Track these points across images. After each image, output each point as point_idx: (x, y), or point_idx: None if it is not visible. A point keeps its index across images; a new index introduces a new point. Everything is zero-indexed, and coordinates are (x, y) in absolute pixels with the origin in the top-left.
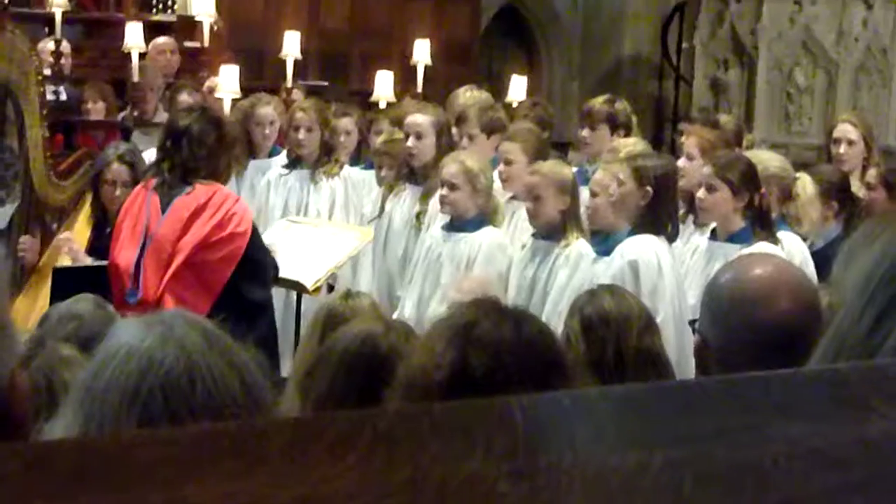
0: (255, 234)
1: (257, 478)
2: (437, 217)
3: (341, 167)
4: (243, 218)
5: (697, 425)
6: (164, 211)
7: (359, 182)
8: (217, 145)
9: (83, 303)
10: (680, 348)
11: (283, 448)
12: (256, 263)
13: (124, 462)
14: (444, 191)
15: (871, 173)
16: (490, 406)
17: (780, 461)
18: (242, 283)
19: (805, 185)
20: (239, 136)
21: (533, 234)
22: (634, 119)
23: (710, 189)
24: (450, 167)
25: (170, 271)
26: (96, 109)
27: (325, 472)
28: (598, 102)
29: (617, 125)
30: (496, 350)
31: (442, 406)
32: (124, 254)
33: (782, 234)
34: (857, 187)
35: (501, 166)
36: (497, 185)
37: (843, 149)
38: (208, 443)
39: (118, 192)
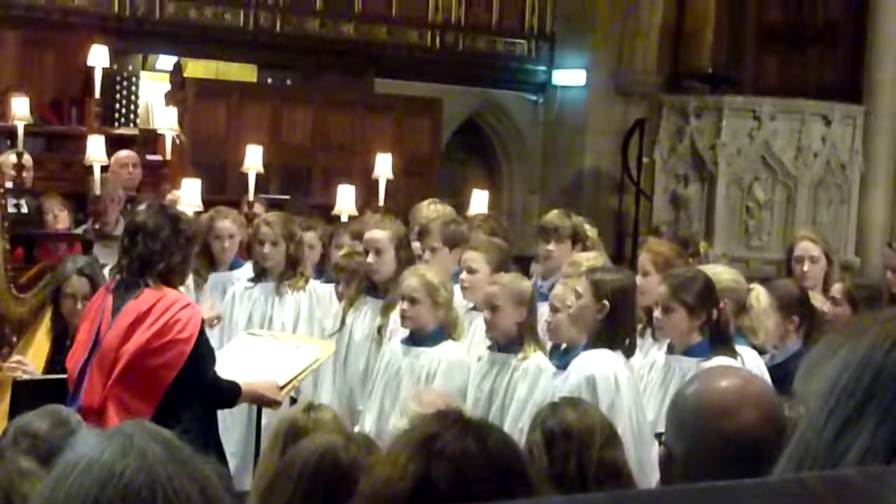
0: (200, 347)
1: None
2: (398, 331)
3: (307, 281)
4: (188, 324)
5: None
6: (114, 315)
7: (323, 296)
8: (171, 240)
9: (43, 417)
10: (639, 463)
11: None
12: (190, 374)
13: None
14: (405, 305)
15: (837, 288)
16: None
17: None
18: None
19: (759, 295)
20: (199, 241)
21: (489, 347)
22: (592, 232)
23: (666, 310)
24: (410, 281)
25: (111, 378)
26: (62, 218)
27: None
28: (556, 217)
29: (578, 239)
30: (459, 462)
31: None
32: (73, 358)
33: (739, 349)
34: (820, 302)
35: (464, 274)
36: (458, 297)
37: (806, 266)
38: None
39: (79, 306)
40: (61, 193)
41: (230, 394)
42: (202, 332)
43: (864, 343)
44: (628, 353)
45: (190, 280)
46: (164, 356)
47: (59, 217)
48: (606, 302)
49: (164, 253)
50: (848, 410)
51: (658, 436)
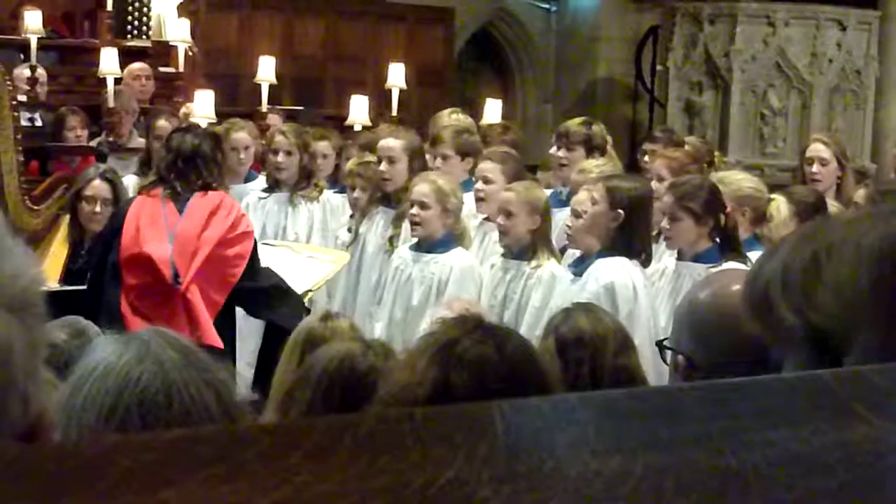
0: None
1: (237, 483)
2: (408, 240)
3: (321, 192)
4: (249, 222)
5: (678, 431)
6: (181, 212)
7: (337, 206)
8: (223, 160)
9: (61, 328)
10: (657, 370)
11: (263, 454)
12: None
13: (103, 467)
14: (415, 209)
15: (860, 193)
16: (471, 412)
17: (762, 467)
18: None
19: (779, 206)
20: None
21: (503, 254)
22: (610, 142)
23: (673, 219)
24: (421, 186)
25: (195, 263)
26: (83, 136)
27: (306, 477)
28: (575, 124)
29: (593, 147)
30: (478, 367)
31: (423, 412)
32: (155, 246)
33: (756, 255)
34: (833, 207)
35: (480, 184)
36: (469, 206)
37: (815, 168)
38: (187, 449)
39: (98, 209)
40: (80, 106)
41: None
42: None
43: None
44: (644, 263)
45: None
46: (237, 246)
47: (81, 136)
48: (621, 210)
49: (219, 172)
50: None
51: (660, 343)
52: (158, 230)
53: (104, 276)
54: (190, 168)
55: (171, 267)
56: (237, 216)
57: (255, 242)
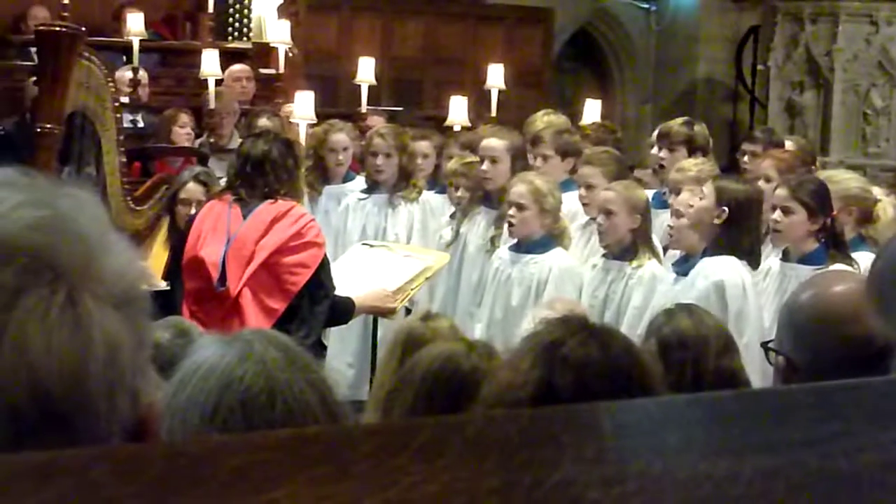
0: (328, 263)
1: (347, 483)
2: (509, 241)
3: (420, 192)
4: (320, 233)
5: (788, 433)
6: (244, 218)
7: (436, 207)
8: (295, 167)
9: (165, 328)
10: (765, 371)
11: (373, 453)
12: (317, 285)
13: (213, 467)
14: (512, 211)
15: None
16: (578, 413)
17: (873, 469)
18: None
19: (886, 207)
20: (311, 160)
21: (604, 254)
22: (711, 142)
23: (786, 211)
24: (518, 187)
25: (249, 269)
26: (193, 134)
27: (415, 477)
28: (677, 124)
29: (695, 148)
30: (582, 369)
31: (530, 413)
32: (209, 249)
33: (861, 255)
34: None
35: (582, 191)
36: (568, 206)
37: None
38: (298, 448)
39: (192, 211)
40: (182, 108)
41: (345, 309)
42: (326, 258)
43: None
44: (753, 265)
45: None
46: (301, 255)
47: (192, 134)
48: (726, 208)
49: (290, 181)
50: None
51: (765, 345)
52: (219, 234)
53: (175, 281)
54: (257, 174)
55: (219, 269)
56: (305, 225)
57: (326, 256)
